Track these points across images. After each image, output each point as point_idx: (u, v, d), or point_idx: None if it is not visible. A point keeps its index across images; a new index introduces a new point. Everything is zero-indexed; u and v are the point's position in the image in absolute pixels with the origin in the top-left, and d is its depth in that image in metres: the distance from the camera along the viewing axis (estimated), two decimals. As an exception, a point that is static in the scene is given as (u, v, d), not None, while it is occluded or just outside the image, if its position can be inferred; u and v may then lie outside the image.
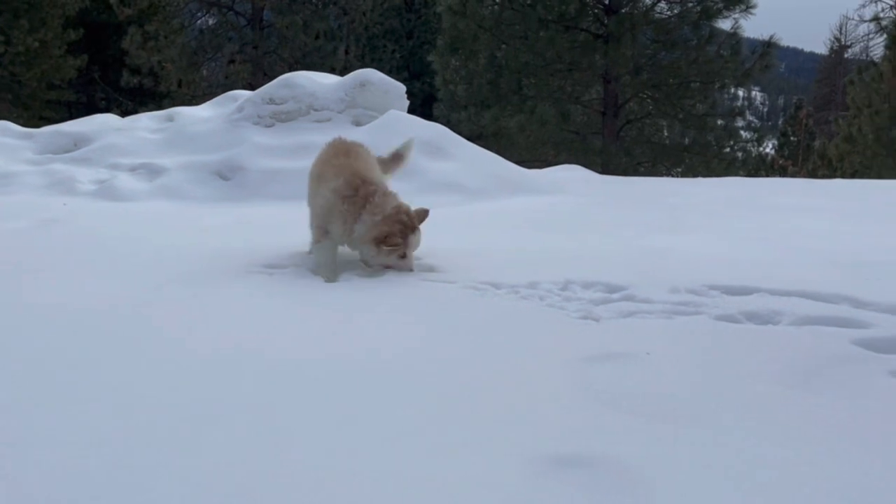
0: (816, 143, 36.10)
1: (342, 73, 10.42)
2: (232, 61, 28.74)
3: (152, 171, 8.55)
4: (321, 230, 4.33)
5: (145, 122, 10.32)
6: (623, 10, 20.91)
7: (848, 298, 3.51)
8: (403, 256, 4.20)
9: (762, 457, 2.04)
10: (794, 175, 29.56)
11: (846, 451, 2.06)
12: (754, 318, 3.32)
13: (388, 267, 4.23)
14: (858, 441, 2.12)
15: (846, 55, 51.77)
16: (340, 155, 4.51)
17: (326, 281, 4.14)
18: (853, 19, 41.18)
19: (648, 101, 22.49)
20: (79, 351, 2.96)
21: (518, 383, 2.57)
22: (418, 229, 4.24)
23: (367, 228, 4.16)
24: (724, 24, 21.14)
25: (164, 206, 7.45)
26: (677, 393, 2.49)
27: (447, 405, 2.38)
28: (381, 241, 4.12)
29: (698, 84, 21.35)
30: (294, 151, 8.26)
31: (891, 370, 2.63)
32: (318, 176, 4.46)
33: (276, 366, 2.73)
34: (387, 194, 4.30)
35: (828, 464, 2.00)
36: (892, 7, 30.02)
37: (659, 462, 2.00)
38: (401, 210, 4.22)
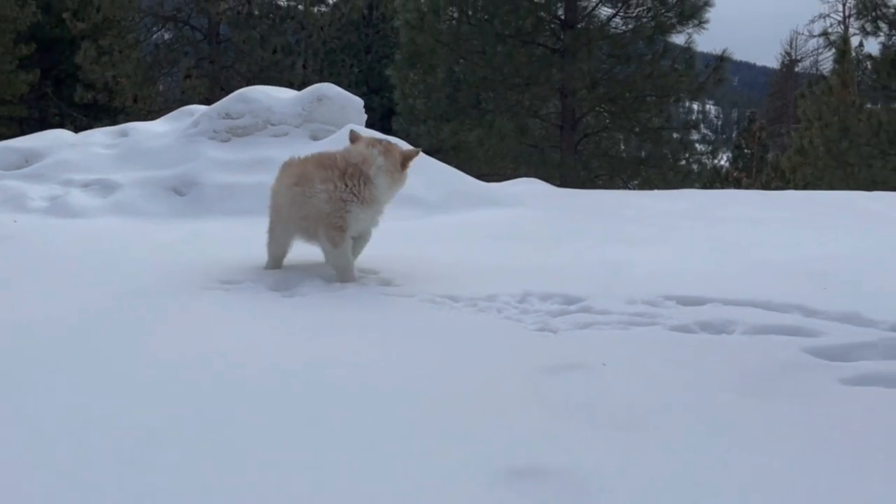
0: (770, 156, 36.75)
1: (300, 87, 10.37)
2: (188, 76, 28.44)
3: (106, 187, 8.41)
4: (339, 230, 4.21)
5: (99, 138, 10.16)
6: (579, 26, 21.16)
7: (799, 307, 3.57)
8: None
9: (717, 465, 2.06)
10: (748, 187, 30.06)
11: (799, 458, 2.09)
12: (708, 327, 3.36)
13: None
14: (810, 448, 2.16)
15: (797, 69, 52.88)
16: (299, 162, 4.55)
17: (355, 281, 4.26)
18: (803, 34, 42.23)
19: (605, 114, 22.74)
20: (27, 368, 2.89)
21: (475, 396, 2.57)
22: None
23: (383, 167, 4.25)
24: (678, 39, 21.51)
25: (118, 223, 7.33)
26: (633, 403, 2.50)
27: (404, 419, 2.37)
28: (404, 160, 4.34)
29: (654, 98, 21.65)
30: (250, 166, 8.20)
31: (841, 377, 2.67)
32: (298, 184, 4.34)
33: (235, 381, 2.70)
34: (346, 149, 4.38)
35: (781, 471, 2.02)
36: (839, 23, 30.79)
37: (615, 472, 2.01)
38: (370, 140, 4.41)
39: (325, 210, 4.19)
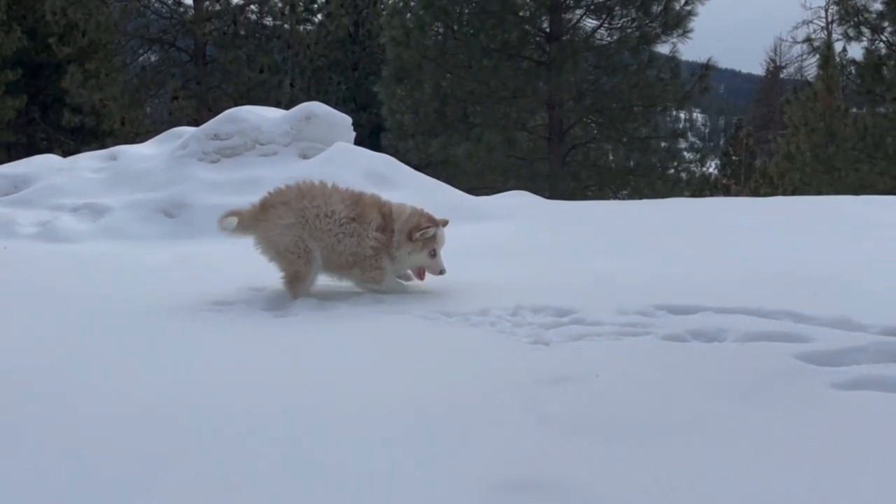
0: (757, 162, 36.98)
1: (288, 106, 10.41)
2: (175, 97, 28.44)
3: (95, 211, 8.41)
4: (379, 269, 4.42)
5: (87, 162, 10.16)
6: (564, 38, 21.29)
7: (790, 314, 3.59)
8: (434, 255, 4.39)
9: (711, 473, 2.07)
10: (737, 193, 30.20)
11: (793, 464, 2.10)
12: (700, 336, 3.38)
13: (419, 274, 4.47)
14: (805, 453, 2.17)
15: (782, 76, 53.20)
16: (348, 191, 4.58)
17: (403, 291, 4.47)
18: (787, 41, 42.47)
19: (592, 125, 22.87)
20: (10, 394, 2.88)
21: (470, 409, 2.58)
22: (443, 227, 4.47)
23: (401, 232, 4.39)
24: (663, 49, 21.69)
25: (108, 247, 7.32)
26: (626, 413, 2.51)
27: (399, 432, 2.38)
28: (412, 230, 4.34)
29: (640, 107, 21.78)
30: (240, 186, 8.19)
31: (833, 382, 2.69)
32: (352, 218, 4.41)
33: (226, 403, 2.69)
34: (400, 205, 4.54)
35: (774, 476, 2.03)
36: (823, 28, 31.04)
37: (609, 483, 2.02)
38: (420, 210, 4.49)
39: (368, 254, 4.39)
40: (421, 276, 4.49)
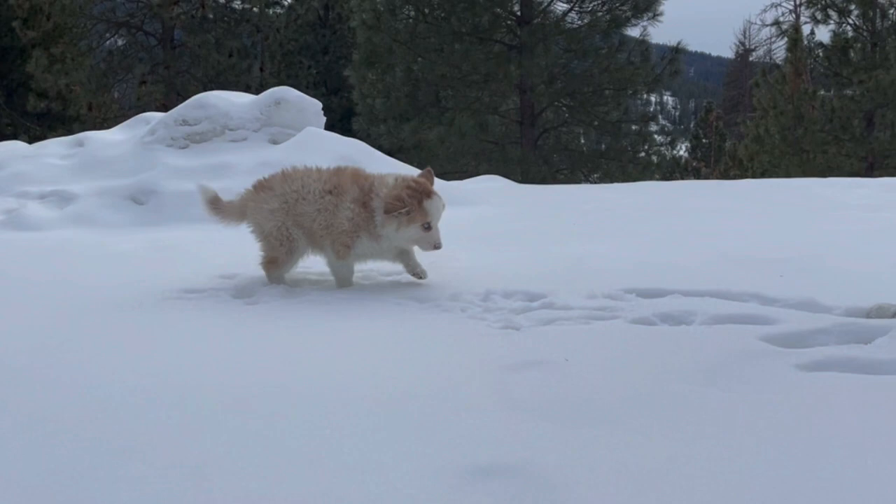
0: (727, 145, 37.24)
1: (258, 90, 10.35)
2: (143, 82, 28.13)
3: (63, 199, 8.31)
4: (345, 247, 4.19)
5: (54, 148, 10.04)
6: (535, 21, 21.30)
7: (756, 296, 3.64)
8: (428, 228, 4.02)
9: (678, 455, 2.09)
10: (707, 176, 30.45)
11: (758, 445, 2.14)
12: (668, 319, 3.41)
13: (425, 247, 4.10)
14: (769, 434, 2.20)
15: (751, 59, 53.61)
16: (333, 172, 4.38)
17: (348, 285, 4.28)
18: (756, 24, 42.87)
19: (564, 109, 22.95)
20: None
21: (439, 394, 2.59)
22: (436, 194, 4.06)
23: (381, 207, 4.04)
24: (634, 32, 21.82)
25: (76, 234, 7.24)
26: (596, 397, 2.54)
27: (369, 419, 2.38)
28: (389, 205, 3.97)
29: (611, 91, 21.90)
30: (210, 172, 8.13)
31: (797, 363, 2.73)
32: (331, 192, 4.22)
33: (195, 391, 2.68)
34: (382, 176, 4.21)
35: (741, 457, 2.06)
36: (791, 11, 31.28)
37: (579, 467, 2.04)
38: (404, 178, 4.13)
39: (342, 228, 4.17)
40: (431, 247, 4.11)
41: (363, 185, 4.17)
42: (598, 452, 2.12)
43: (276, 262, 4.36)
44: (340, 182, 4.23)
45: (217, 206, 4.64)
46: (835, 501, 1.84)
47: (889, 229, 5.96)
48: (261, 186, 4.44)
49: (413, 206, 3.97)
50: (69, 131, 16.90)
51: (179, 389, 2.72)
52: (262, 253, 4.43)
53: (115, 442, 2.30)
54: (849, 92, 24.70)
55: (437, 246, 4.07)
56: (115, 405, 2.60)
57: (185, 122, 9.03)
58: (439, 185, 8.95)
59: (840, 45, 24.89)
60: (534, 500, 1.89)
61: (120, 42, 30.52)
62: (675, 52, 22.05)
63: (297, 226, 4.30)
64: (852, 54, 24.77)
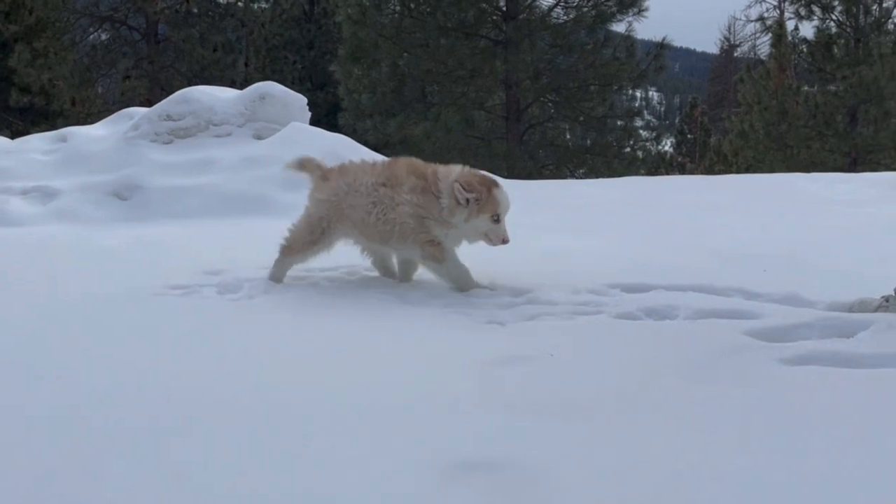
0: (712, 140, 37.42)
1: (243, 85, 10.31)
2: (127, 77, 27.97)
3: (46, 194, 8.25)
4: (434, 244, 3.98)
5: (37, 143, 9.96)
6: (521, 17, 21.28)
7: (740, 290, 3.67)
8: (497, 220, 3.88)
9: (662, 449, 2.10)
10: (692, 171, 30.57)
11: (740, 438, 2.15)
12: (652, 314, 3.43)
13: (493, 240, 3.91)
14: (751, 428, 2.21)
15: (736, 54, 53.72)
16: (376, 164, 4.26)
17: (474, 287, 3.95)
18: (740, 19, 42.97)
19: (549, 104, 22.95)
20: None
21: (423, 390, 2.58)
22: (502, 187, 3.92)
23: (449, 194, 3.86)
24: (619, 28, 21.82)
25: (59, 230, 7.19)
26: (581, 392, 2.54)
27: (352, 416, 2.37)
28: (459, 189, 3.80)
29: (596, 86, 21.92)
30: (194, 168, 8.11)
31: (780, 358, 2.75)
32: (386, 185, 4.05)
33: (177, 386, 2.67)
34: (448, 166, 4.03)
35: (724, 451, 2.07)
36: (775, 7, 31.39)
37: (564, 462, 2.04)
38: (471, 170, 3.98)
39: (413, 224, 3.96)
40: (499, 240, 3.94)
41: (423, 172, 4.02)
42: (583, 447, 2.12)
43: (292, 250, 4.24)
44: (394, 173, 4.08)
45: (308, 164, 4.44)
46: (817, 494, 1.84)
47: (872, 224, 6.01)
48: (322, 175, 4.31)
49: (483, 193, 3.85)
50: (52, 126, 16.77)
51: (162, 386, 2.70)
52: (286, 236, 4.29)
53: (97, 438, 2.28)
54: (832, 87, 24.81)
55: (505, 240, 3.92)
56: (97, 401, 2.58)
57: (169, 118, 8.98)
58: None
59: (824, 40, 25.00)
60: (518, 495, 1.89)
61: (103, 36, 30.29)
62: (660, 48, 22.09)
63: (345, 220, 4.15)
64: (836, 50, 24.88)
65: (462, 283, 3.98)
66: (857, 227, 5.83)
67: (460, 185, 3.83)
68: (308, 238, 4.23)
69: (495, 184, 3.92)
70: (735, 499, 1.84)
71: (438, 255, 3.98)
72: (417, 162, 4.16)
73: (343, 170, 4.28)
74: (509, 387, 2.60)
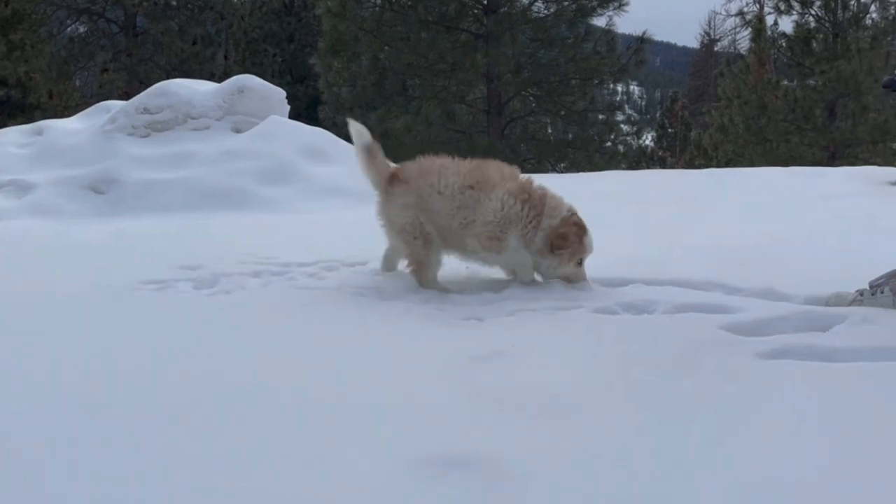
0: (692, 134, 37.60)
1: (222, 78, 10.24)
2: (105, 70, 27.72)
3: (21, 188, 8.15)
4: (499, 241, 3.85)
5: (12, 137, 9.84)
6: (502, 10, 21.26)
7: (717, 285, 3.68)
8: (580, 264, 3.83)
9: (639, 444, 2.10)
10: (672, 165, 30.72)
11: (717, 431, 2.15)
12: (630, 308, 3.43)
13: (566, 281, 3.81)
14: (729, 421, 2.22)
15: (716, 49, 54.02)
16: (473, 162, 4.09)
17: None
18: (721, 14, 43.24)
19: (530, 98, 22.98)
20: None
21: (401, 386, 2.57)
22: (589, 233, 3.86)
23: (545, 236, 3.78)
24: (600, 22, 21.86)
25: (35, 224, 7.10)
26: (559, 387, 2.54)
27: (331, 413, 2.36)
28: (556, 243, 3.74)
29: (577, 80, 21.95)
30: (172, 161, 8.04)
31: (756, 352, 2.76)
32: (474, 185, 3.92)
33: (151, 383, 2.64)
34: (554, 196, 3.92)
35: (702, 445, 2.08)
36: (755, 2, 31.56)
37: (542, 458, 2.03)
38: (574, 211, 3.88)
39: (491, 219, 3.83)
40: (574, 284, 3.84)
41: (525, 186, 3.92)
42: (563, 442, 2.12)
43: (424, 263, 4.00)
44: (486, 177, 3.94)
45: (372, 156, 4.22)
46: (791, 485, 1.85)
47: (848, 218, 6.05)
48: (395, 178, 4.09)
49: (576, 245, 3.79)
50: (30, 119, 16.58)
51: (136, 382, 2.67)
52: (406, 265, 4.09)
53: (71, 433, 2.25)
54: (811, 82, 25.00)
55: (585, 281, 3.84)
56: (72, 397, 2.55)
57: (146, 111, 8.89)
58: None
59: (802, 35, 25.17)
60: (499, 490, 1.89)
61: (81, 29, 30.00)
62: (641, 42, 22.16)
63: (430, 222, 3.97)
64: (814, 45, 25.06)
65: (526, 274, 3.92)
66: (834, 221, 5.87)
67: (555, 243, 3.76)
68: (422, 248, 4.00)
69: (586, 231, 3.84)
70: (714, 492, 1.84)
71: (497, 247, 3.86)
72: (511, 168, 4.05)
73: (424, 169, 4.06)
74: (489, 382, 2.59)
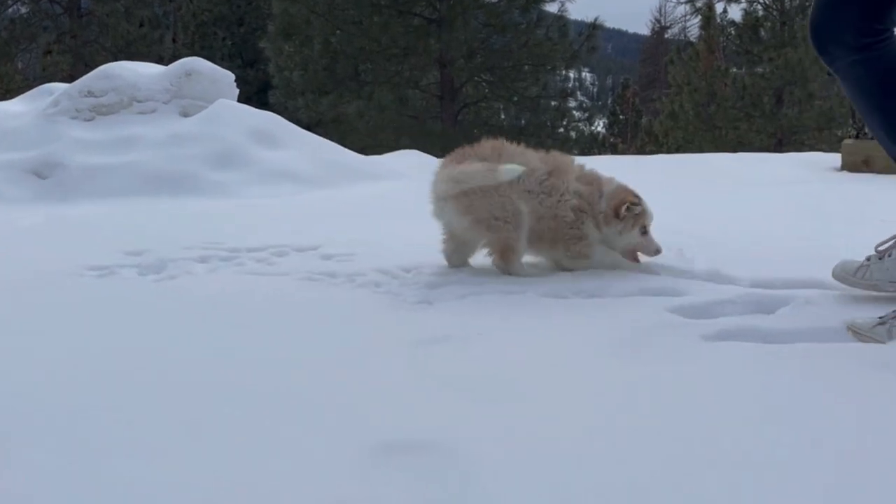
0: (643, 121, 38.02)
1: (170, 62, 10.06)
2: (49, 52, 27.08)
3: (-40, 173, 7.93)
4: (580, 239, 3.72)
5: (-50, 120, 9.56)
6: (454, -5, 21.21)
7: (665, 268, 3.71)
8: (645, 232, 3.71)
9: (589, 426, 2.11)
10: (624, 151, 31.03)
11: (665, 413, 2.16)
12: (580, 292, 3.44)
13: (633, 257, 3.75)
14: (676, 403, 2.23)
15: (666, 36, 54.65)
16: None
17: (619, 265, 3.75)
18: (671, 1, 43.62)
19: (483, 84, 23.02)
20: None
21: (351, 371, 2.55)
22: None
23: (606, 211, 3.70)
24: (552, 8, 21.96)
25: (-27, 210, 6.92)
26: (510, 371, 2.54)
27: (277, 399, 2.32)
28: (618, 208, 3.64)
29: (530, 66, 22.04)
30: (117, 145, 7.89)
31: (703, 334, 2.78)
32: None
33: (91, 374, 2.58)
34: (606, 177, 3.83)
35: (649, 427, 2.09)
36: (705, -11, 31.93)
37: (492, 442, 2.02)
38: (624, 184, 3.78)
39: (567, 218, 3.69)
40: (633, 257, 3.78)
41: (584, 170, 3.84)
42: (511, 426, 2.11)
43: (513, 248, 3.69)
44: (559, 165, 3.76)
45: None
46: (738, 468, 1.87)
47: (794, 202, 6.16)
48: (461, 160, 3.79)
49: (641, 206, 3.72)
50: (-31, 102, 16.12)
51: (73, 375, 2.61)
52: (489, 246, 3.76)
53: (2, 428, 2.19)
54: (759, 69, 25.43)
55: (658, 250, 3.73)
56: (4, 394, 2.48)
57: (90, 94, 8.70)
58: (357, 159, 8.87)
59: (751, 23, 25.57)
60: (447, 474, 1.88)
61: (23, 10, 29.23)
62: (593, 29, 22.32)
63: (521, 201, 3.68)
64: (762, 33, 25.49)
65: (615, 263, 3.80)
66: (780, 205, 5.97)
67: (623, 201, 3.67)
68: (512, 225, 3.68)
69: (640, 197, 3.77)
70: (661, 475, 1.85)
71: (586, 251, 3.75)
72: (567, 155, 3.96)
73: (498, 150, 3.77)
74: (438, 366, 2.58)
